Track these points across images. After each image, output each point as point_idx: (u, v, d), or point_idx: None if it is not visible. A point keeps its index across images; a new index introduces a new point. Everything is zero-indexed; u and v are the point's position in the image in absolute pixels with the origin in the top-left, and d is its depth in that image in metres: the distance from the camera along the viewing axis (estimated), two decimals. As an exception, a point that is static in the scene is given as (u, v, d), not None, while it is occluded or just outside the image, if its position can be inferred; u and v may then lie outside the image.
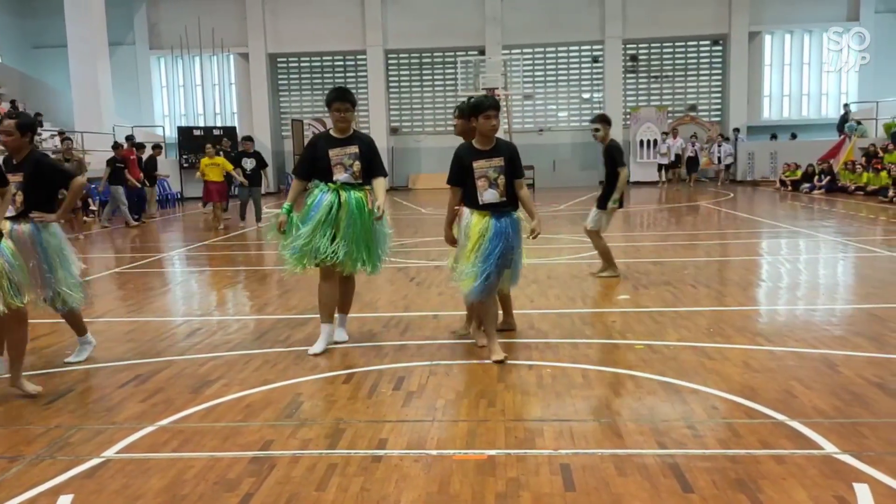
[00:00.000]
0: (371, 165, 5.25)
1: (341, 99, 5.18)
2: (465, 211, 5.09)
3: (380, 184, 5.29)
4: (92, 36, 20.65)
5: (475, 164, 4.92)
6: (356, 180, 5.20)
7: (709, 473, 3.20)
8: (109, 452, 3.61)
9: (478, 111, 4.89)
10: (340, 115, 5.19)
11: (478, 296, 4.92)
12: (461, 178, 4.99)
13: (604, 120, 7.66)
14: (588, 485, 3.13)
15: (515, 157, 5.01)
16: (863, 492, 3.00)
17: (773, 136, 25.15)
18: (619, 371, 4.66)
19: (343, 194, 5.16)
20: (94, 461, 3.50)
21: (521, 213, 5.03)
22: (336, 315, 5.50)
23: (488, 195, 4.92)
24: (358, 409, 4.15)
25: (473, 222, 4.95)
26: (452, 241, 5.22)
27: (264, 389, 4.50)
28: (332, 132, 5.29)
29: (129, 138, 17.88)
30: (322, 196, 5.18)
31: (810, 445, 3.48)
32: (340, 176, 5.18)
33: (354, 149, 5.21)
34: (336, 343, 5.44)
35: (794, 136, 24.73)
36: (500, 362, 4.87)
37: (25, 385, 4.48)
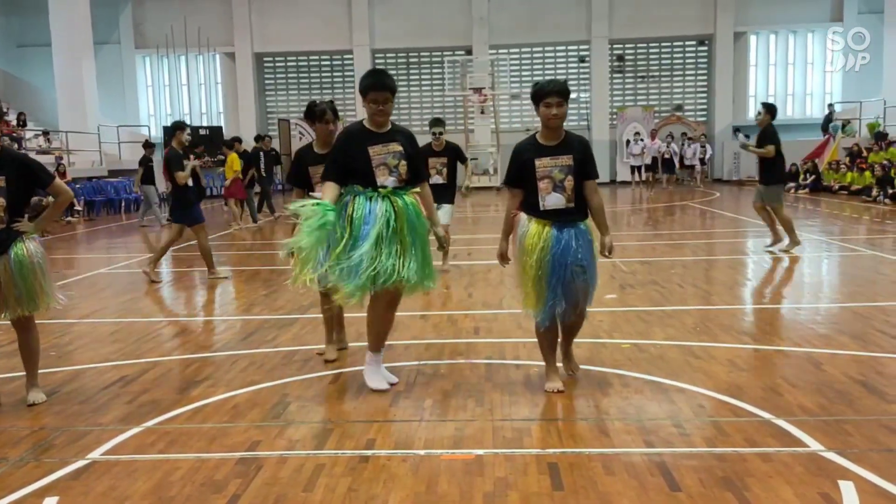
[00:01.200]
0: (417, 167, 4.37)
1: (379, 87, 4.15)
2: (522, 218, 4.22)
3: (429, 199, 4.45)
4: (77, 35, 20.52)
5: (538, 163, 4.12)
6: (402, 185, 4.26)
7: (696, 472, 3.22)
8: (95, 454, 3.59)
9: (537, 99, 4.10)
10: (378, 107, 4.17)
11: (545, 320, 4.18)
12: (520, 179, 4.21)
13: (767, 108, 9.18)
14: (576, 484, 3.14)
15: (587, 154, 4.20)
16: (848, 489, 3.02)
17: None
18: (606, 370, 4.67)
19: (397, 201, 4.18)
20: (80, 463, 3.48)
21: (590, 223, 4.28)
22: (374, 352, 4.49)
23: (552, 200, 4.12)
24: (345, 410, 4.15)
25: (531, 232, 4.12)
26: (505, 257, 4.36)
27: (251, 390, 4.48)
28: (366, 124, 4.27)
29: None
30: (372, 205, 4.14)
31: (796, 443, 3.50)
32: (386, 180, 4.19)
33: (398, 146, 4.23)
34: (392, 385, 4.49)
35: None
36: (558, 391, 4.25)
37: (31, 391, 4.40)
